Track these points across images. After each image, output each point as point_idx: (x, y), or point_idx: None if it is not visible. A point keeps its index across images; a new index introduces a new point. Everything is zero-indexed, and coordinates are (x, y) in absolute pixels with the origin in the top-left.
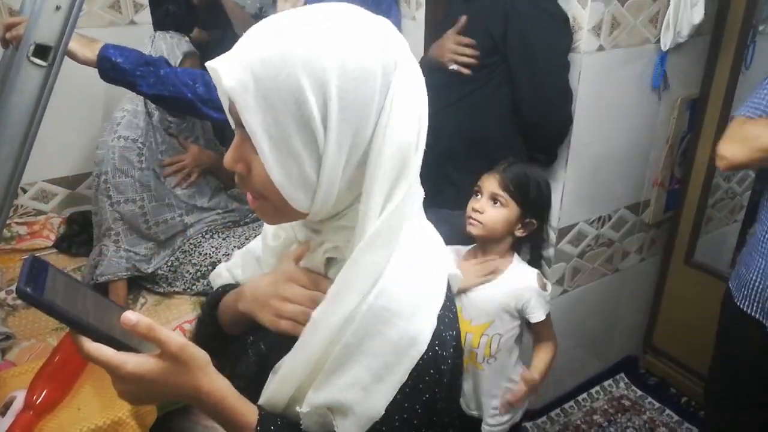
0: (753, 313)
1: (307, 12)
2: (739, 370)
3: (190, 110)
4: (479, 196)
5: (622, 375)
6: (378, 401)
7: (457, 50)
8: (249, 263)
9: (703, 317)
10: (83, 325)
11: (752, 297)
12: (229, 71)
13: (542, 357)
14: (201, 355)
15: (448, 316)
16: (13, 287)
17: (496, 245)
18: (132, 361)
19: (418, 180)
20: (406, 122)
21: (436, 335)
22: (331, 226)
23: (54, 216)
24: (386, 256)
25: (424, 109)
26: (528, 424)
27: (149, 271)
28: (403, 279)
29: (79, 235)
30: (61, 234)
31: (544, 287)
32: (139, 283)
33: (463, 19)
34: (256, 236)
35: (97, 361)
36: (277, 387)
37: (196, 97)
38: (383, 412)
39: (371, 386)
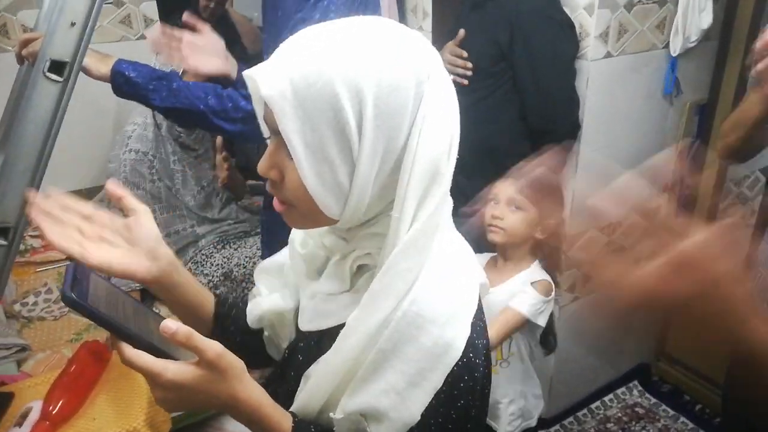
0: None
1: (343, 24)
2: (757, 376)
3: (202, 122)
4: (496, 203)
5: (636, 383)
6: (413, 407)
7: (452, 61)
8: (266, 272)
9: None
10: (125, 332)
11: None
12: (267, 79)
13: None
14: (237, 364)
15: (480, 325)
16: (28, 299)
17: (517, 250)
18: (171, 369)
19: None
20: (439, 132)
21: (470, 342)
22: (362, 234)
23: None
24: (420, 263)
25: (456, 120)
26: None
27: None
28: (437, 286)
29: None
30: None
31: (544, 292)
32: (152, 295)
33: (461, 32)
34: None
35: (138, 368)
36: (309, 394)
37: (208, 108)
38: (419, 418)
39: (406, 392)
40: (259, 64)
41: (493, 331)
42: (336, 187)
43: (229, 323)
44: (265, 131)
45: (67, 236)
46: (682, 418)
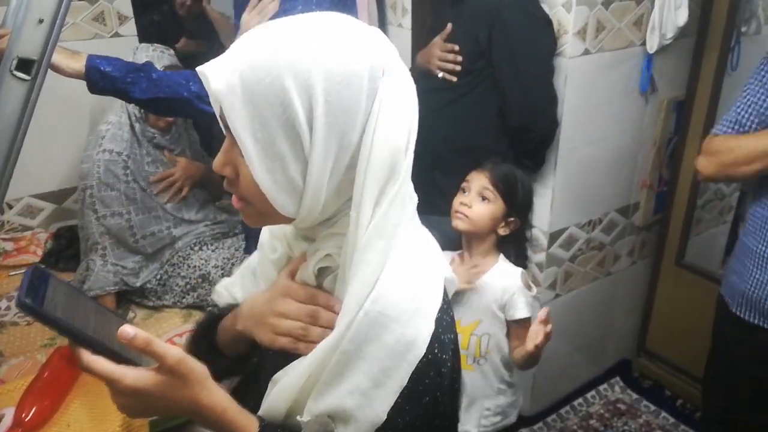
0: (752, 320)
1: (296, 19)
2: (735, 372)
3: (187, 109)
4: (466, 192)
5: (617, 379)
6: (379, 407)
7: (443, 57)
8: (247, 279)
9: (695, 318)
10: (82, 337)
11: (749, 305)
12: (217, 74)
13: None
14: (199, 369)
15: (446, 320)
16: (1, 304)
17: (481, 243)
18: (130, 375)
19: (411, 185)
20: (395, 127)
21: (435, 338)
22: (324, 234)
23: (41, 231)
24: (381, 263)
25: (414, 115)
26: (524, 430)
27: (138, 285)
28: (399, 284)
29: (66, 249)
30: (49, 249)
31: (528, 286)
32: (128, 298)
33: (449, 26)
34: (244, 247)
35: (96, 374)
36: (276, 397)
37: (191, 94)
38: (385, 417)
39: (371, 391)
40: (212, 60)
41: (530, 346)
42: (288, 184)
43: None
44: (223, 129)
45: None
46: (664, 413)
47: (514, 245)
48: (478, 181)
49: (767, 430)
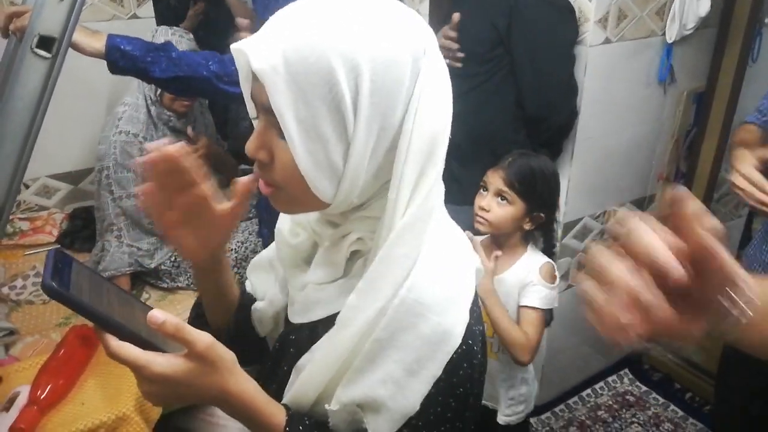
0: None
1: None
2: (751, 365)
3: (206, 89)
4: (485, 192)
5: (626, 371)
6: (412, 396)
7: (445, 45)
8: (259, 269)
9: None
10: (109, 323)
11: None
12: (258, 53)
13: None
14: (228, 356)
15: (476, 310)
16: (16, 282)
17: (507, 239)
18: (158, 362)
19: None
20: (436, 109)
21: (468, 329)
22: (354, 217)
23: (57, 212)
24: (417, 248)
25: (450, 98)
26: (532, 420)
27: (152, 266)
28: (435, 272)
29: (82, 230)
30: (64, 230)
31: (550, 279)
32: (142, 279)
33: (456, 15)
34: (257, 231)
35: (123, 360)
36: (303, 385)
37: (211, 74)
38: (418, 407)
39: (404, 381)
40: (248, 37)
41: (532, 334)
42: (329, 167)
43: (249, 313)
44: (252, 110)
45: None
46: (672, 406)
47: (542, 235)
48: (495, 182)
49: None
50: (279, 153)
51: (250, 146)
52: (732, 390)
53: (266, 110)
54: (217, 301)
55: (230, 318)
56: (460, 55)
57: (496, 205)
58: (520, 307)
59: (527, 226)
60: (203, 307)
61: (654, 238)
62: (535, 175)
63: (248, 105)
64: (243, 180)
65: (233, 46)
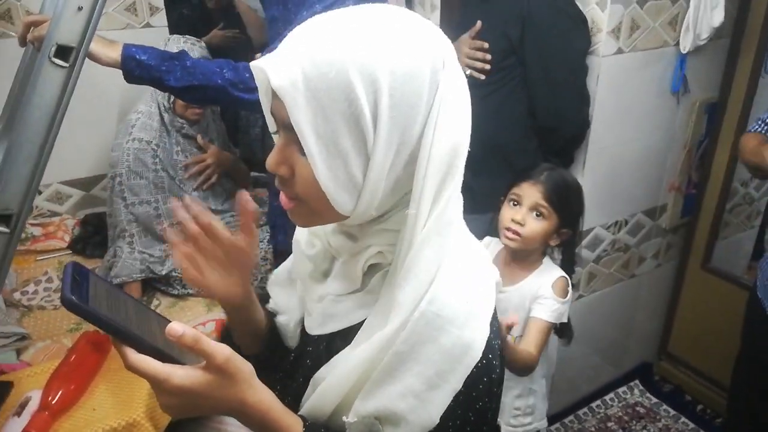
0: None
1: (353, 12)
2: (765, 376)
3: (221, 97)
4: (517, 205)
5: (637, 382)
6: (433, 410)
7: (471, 55)
8: (278, 283)
9: (719, 323)
10: (128, 336)
11: None
12: (278, 69)
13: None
14: (246, 368)
15: (495, 324)
16: (28, 288)
17: (529, 253)
18: (178, 374)
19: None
20: (455, 122)
21: (488, 343)
22: (372, 230)
23: (69, 218)
24: (437, 262)
25: (469, 110)
26: (541, 430)
27: (163, 272)
28: (455, 285)
29: (93, 236)
30: (76, 236)
31: (561, 294)
32: (153, 285)
33: (478, 23)
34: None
35: (142, 374)
36: (321, 397)
37: (226, 82)
38: (438, 421)
39: (425, 394)
40: (267, 54)
41: (532, 346)
42: (348, 181)
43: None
44: (272, 125)
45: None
46: (683, 419)
47: (563, 252)
48: (531, 196)
49: None
50: (299, 168)
51: (270, 162)
52: (745, 402)
53: (286, 126)
54: (246, 327)
55: (260, 343)
56: (487, 67)
57: (531, 219)
58: (529, 317)
59: (553, 242)
60: (231, 333)
61: None
62: (570, 190)
63: (268, 121)
64: (244, 207)
65: (253, 64)
